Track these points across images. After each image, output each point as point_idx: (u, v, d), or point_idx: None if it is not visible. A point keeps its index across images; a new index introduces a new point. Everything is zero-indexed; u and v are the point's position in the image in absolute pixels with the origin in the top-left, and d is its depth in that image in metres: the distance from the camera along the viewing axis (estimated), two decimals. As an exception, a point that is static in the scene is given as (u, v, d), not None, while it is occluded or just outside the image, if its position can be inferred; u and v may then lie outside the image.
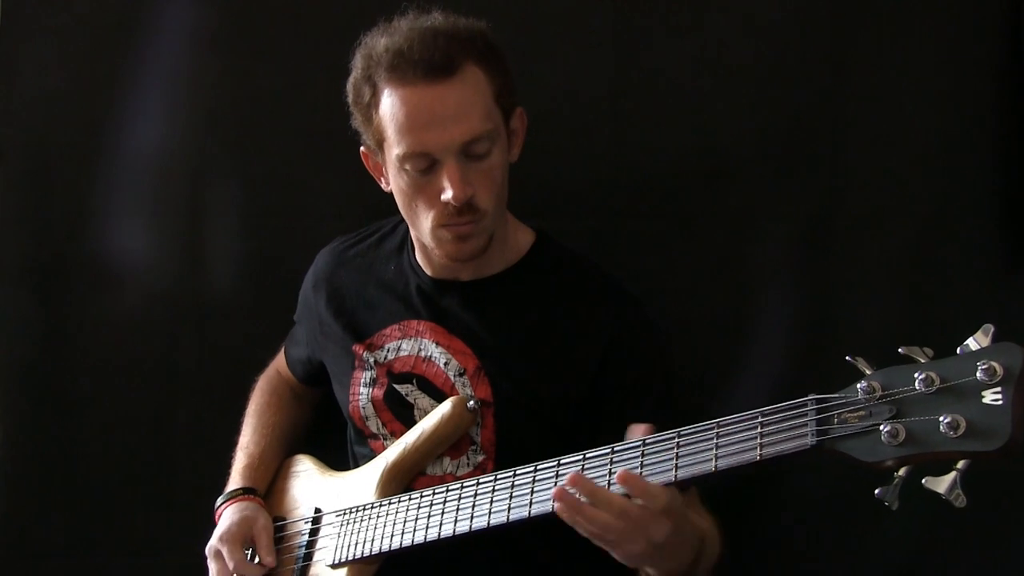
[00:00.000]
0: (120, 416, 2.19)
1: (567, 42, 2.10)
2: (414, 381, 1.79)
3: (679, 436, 1.37)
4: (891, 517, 1.29)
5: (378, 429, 1.81)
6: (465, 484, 1.59)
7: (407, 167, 1.65)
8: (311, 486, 1.89)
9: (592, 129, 2.10)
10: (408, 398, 1.79)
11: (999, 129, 2.01)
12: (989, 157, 2.02)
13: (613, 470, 1.42)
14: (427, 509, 1.62)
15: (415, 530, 1.62)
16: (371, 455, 1.81)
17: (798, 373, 2.00)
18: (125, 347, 2.19)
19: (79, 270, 2.19)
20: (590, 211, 2.09)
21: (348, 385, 1.85)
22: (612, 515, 1.37)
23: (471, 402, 1.71)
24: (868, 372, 1.23)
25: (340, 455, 1.92)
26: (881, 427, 1.19)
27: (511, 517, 1.51)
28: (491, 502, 1.54)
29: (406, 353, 1.79)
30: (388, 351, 1.81)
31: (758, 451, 1.29)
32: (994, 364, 1.14)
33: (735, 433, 1.32)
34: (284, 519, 1.87)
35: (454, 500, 1.59)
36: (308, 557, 1.78)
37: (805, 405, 1.27)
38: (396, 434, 1.78)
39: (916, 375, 1.18)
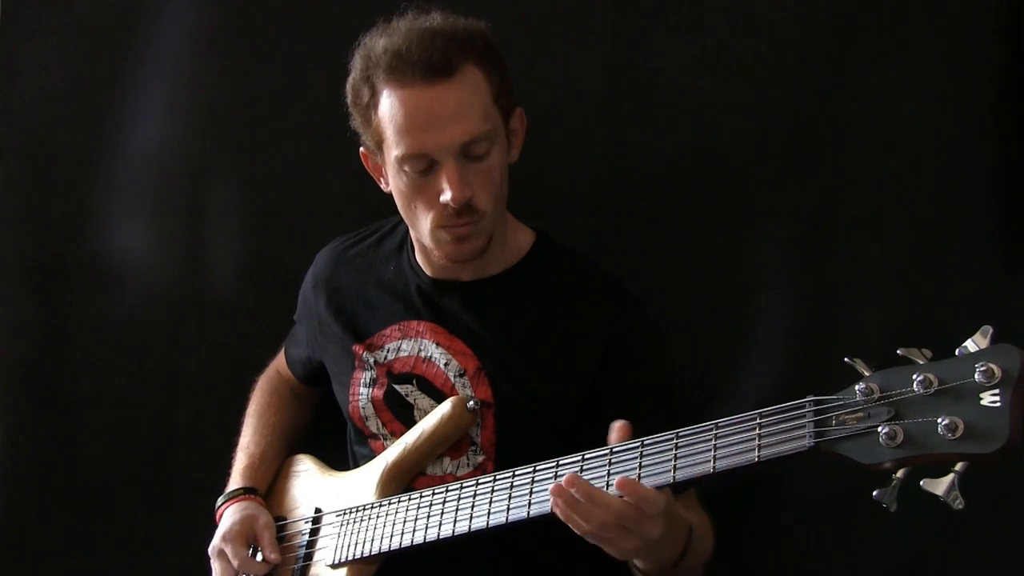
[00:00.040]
0: (120, 416, 2.19)
1: (567, 42, 2.09)
2: (414, 381, 1.79)
3: (678, 437, 1.37)
4: (890, 517, 1.28)
5: (378, 429, 1.81)
6: (465, 484, 1.59)
7: (406, 168, 1.65)
8: (311, 486, 1.89)
9: (592, 129, 2.09)
10: (408, 398, 1.79)
11: (999, 129, 2.01)
12: (989, 157, 2.02)
13: (612, 471, 1.42)
14: (427, 509, 1.62)
15: (415, 530, 1.62)
16: (371, 455, 1.81)
17: (797, 373, 2.00)
18: (125, 347, 2.19)
19: (79, 270, 2.19)
20: (590, 211, 2.09)
21: (348, 385, 1.85)
22: (609, 516, 1.37)
23: (471, 402, 1.71)
24: (866, 373, 1.23)
25: (340, 455, 1.92)
26: (879, 429, 1.19)
27: (510, 517, 1.51)
28: (490, 502, 1.54)
29: (406, 353, 1.79)
30: (388, 351, 1.81)
31: (756, 452, 1.29)
32: (992, 366, 1.13)
33: (734, 434, 1.32)
34: (284, 519, 1.87)
35: (453, 500, 1.59)
36: (308, 557, 1.78)
37: (803, 407, 1.26)
38: (396, 434, 1.78)
39: (914, 377, 1.18)
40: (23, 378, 2.20)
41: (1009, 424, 1.12)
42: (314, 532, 1.80)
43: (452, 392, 1.74)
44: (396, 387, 1.80)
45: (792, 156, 2.05)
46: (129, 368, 2.19)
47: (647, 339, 1.77)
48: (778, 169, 2.06)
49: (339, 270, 1.91)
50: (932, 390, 1.17)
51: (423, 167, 1.64)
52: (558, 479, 1.46)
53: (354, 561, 1.71)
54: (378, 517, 1.70)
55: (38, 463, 2.20)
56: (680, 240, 2.08)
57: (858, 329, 2.02)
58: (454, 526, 1.57)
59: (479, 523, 1.54)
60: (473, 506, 1.56)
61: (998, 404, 1.13)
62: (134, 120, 2.16)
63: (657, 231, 2.09)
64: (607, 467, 1.43)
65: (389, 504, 1.69)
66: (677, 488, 1.40)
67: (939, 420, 1.15)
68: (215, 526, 1.84)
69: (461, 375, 1.74)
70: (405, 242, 1.86)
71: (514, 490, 1.52)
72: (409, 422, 1.77)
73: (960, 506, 1.15)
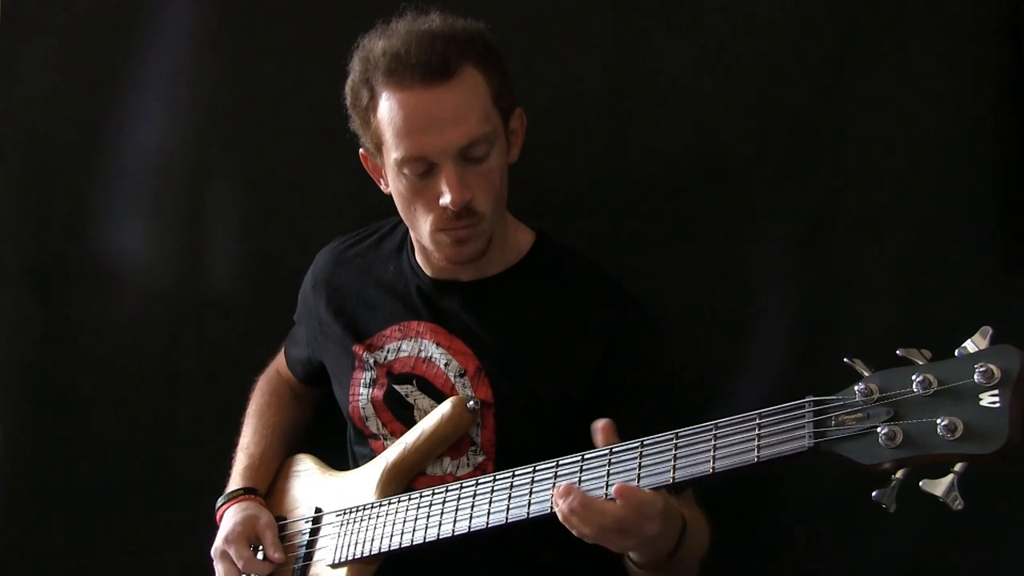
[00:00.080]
0: (120, 416, 2.19)
1: (567, 42, 2.09)
2: (414, 382, 1.79)
3: (677, 437, 1.38)
4: (890, 518, 1.28)
5: (378, 429, 1.81)
6: (465, 484, 1.59)
7: (405, 171, 1.65)
8: (311, 486, 1.89)
9: (592, 129, 2.09)
10: (408, 399, 1.79)
11: (999, 129, 2.01)
12: (989, 157, 2.02)
13: (612, 471, 1.42)
14: (427, 509, 1.62)
15: (415, 530, 1.62)
16: (371, 455, 1.81)
17: (797, 373, 2.00)
18: (125, 347, 2.19)
19: (79, 270, 2.19)
20: (590, 211, 2.09)
21: (348, 385, 1.85)
22: (607, 521, 1.37)
23: (471, 402, 1.71)
24: (866, 374, 1.23)
25: (340, 455, 1.92)
26: (878, 429, 1.19)
27: (510, 517, 1.51)
28: (490, 502, 1.54)
29: (406, 354, 1.79)
30: (388, 352, 1.81)
31: (756, 453, 1.29)
32: (992, 367, 1.13)
33: (733, 434, 1.32)
34: (285, 519, 1.87)
35: (453, 500, 1.59)
36: (308, 557, 1.78)
37: (803, 407, 1.26)
38: (396, 434, 1.78)
39: (914, 377, 1.18)
40: (23, 378, 2.21)
41: (1008, 425, 1.12)
42: (314, 532, 1.80)
43: (452, 392, 1.75)
44: (396, 387, 1.80)
45: (792, 156, 2.05)
46: (129, 368, 2.19)
47: (647, 339, 1.77)
48: (778, 169, 2.06)
49: (339, 270, 1.91)
50: (931, 391, 1.17)
51: (422, 170, 1.63)
52: (559, 480, 1.47)
53: (354, 561, 1.71)
54: (378, 517, 1.70)
55: (38, 463, 2.20)
56: (680, 240, 2.08)
57: (858, 329, 2.02)
58: (454, 526, 1.57)
59: (479, 523, 1.55)
60: (473, 506, 1.56)
61: (997, 405, 1.13)
62: (134, 120, 2.16)
63: (657, 231, 2.08)
64: (607, 467, 1.43)
65: (389, 504, 1.69)
66: (676, 489, 1.40)
67: (938, 421, 1.15)
68: (215, 526, 1.84)
69: (461, 375, 1.74)
70: (405, 242, 1.86)
71: (514, 490, 1.52)
72: (409, 422, 1.77)
73: (959, 507, 1.15)
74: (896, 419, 1.19)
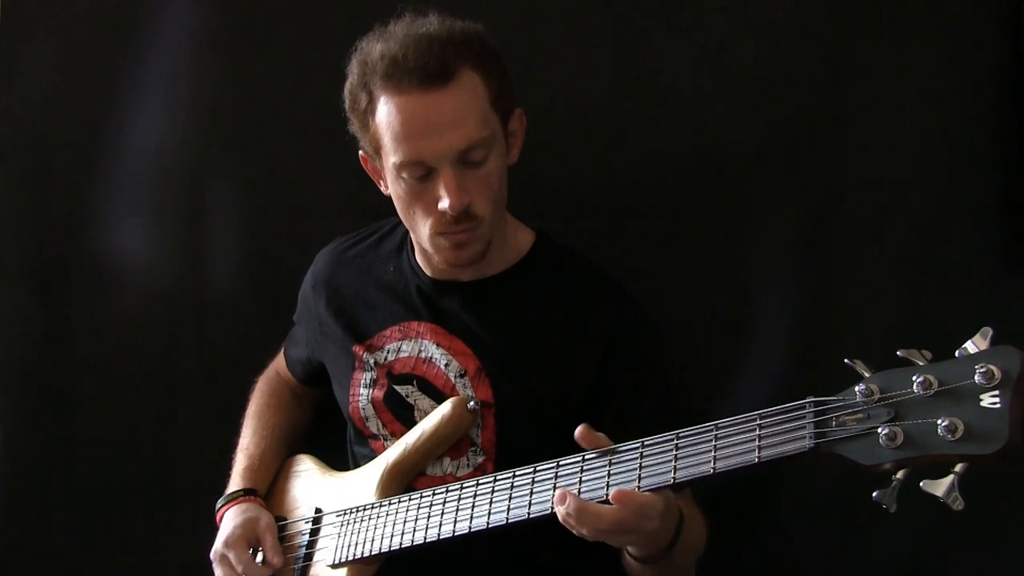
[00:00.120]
0: (120, 416, 2.19)
1: (567, 42, 2.09)
2: (414, 382, 1.79)
3: (678, 437, 1.38)
4: (890, 518, 1.28)
5: (378, 430, 1.81)
6: (465, 484, 1.59)
7: (404, 175, 1.65)
8: (311, 486, 1.89)
9: (592, 129, 2.09)
10: (408, 399, 1.79)
11: (999, 129, 2.00)
12: (989, 157, 2.02)
13: (612, 471, 1.42)
14: (427, 509, 1.62)
15: (415, 530, 1.62)
16: (371, 455, 1.81)
17: (797, 374, 2.01)
18: (125, 347, 2.19)
19: (79, 270, 2.19)
20: (590, 211, 2.09)
21: (348, 386, 1.85)
22: (604, 525, 1.38)
23: (471, 403, 1.71)
24: (866, 375, 1.23)
25: (340, 455, 1.92)
26: (879, 430, 1.19)
27: (510, 517, 1.51)
28: (491, 502, 1.54)
29: (406, 354, 1.79)
30: (388, 352, 1.81)
31: (757, 453, 1.29)
32: (992, 367, 1.13)
33: (734, 435, 1.32)
34: (285, 519, 1.87)
35: (454, 500, 1.59)
36: (308, 557, 1.78)
37: (803, 407, 1.26)
38: (396, 435, 1.78)
39: (914, 378, 1.18)
40: (23, 378, 2.20)
41: (1009, 425, 1.12)
42: (314, 532, 1.80)
43: (452, 392, 1.74)
44: (396, 388, 1.80)
45: (792, 156, 2.05)
46: (129, 368, 2.19)
47: (647, 339, 1.77)
48: (778, 169, 2.06)
49: (339, 271, 1.91)
50: (932, 391, 1.17)
51: (420, 174, 1.63)
52: (559, 480, 1.47)
53: (354, 561, 1.70)
54: (378, 517, 1.70)
55: (38, 463, 2.20)
56: (680, 240, 2.08)
57: (858, 329, 2.02)
58: (454, 526, 1.57)
59: (479, 523, 1.55)
60: (473, 506, 1.56)
61: (998, 405, 1.13)
62: (134, 120, 2.16)
63: (657, 231, 2.08)
64: (607, 468, 1.43)
65: (389, 504, 1.69)
66: (676, 489, 1.40)
67: (939, 421, 1.15)
68: (215, 527, 1.84)
69: (461, 375, 1.74)
70: (405, 243, 1.86)
71: (514, 490, 1.52)
72: (409, 423, 1.77)
73: (960, 507, 1.15)
74: (897, 420, 1.19)
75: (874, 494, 1.21)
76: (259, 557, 1.79)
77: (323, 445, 1.98)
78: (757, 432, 1.29)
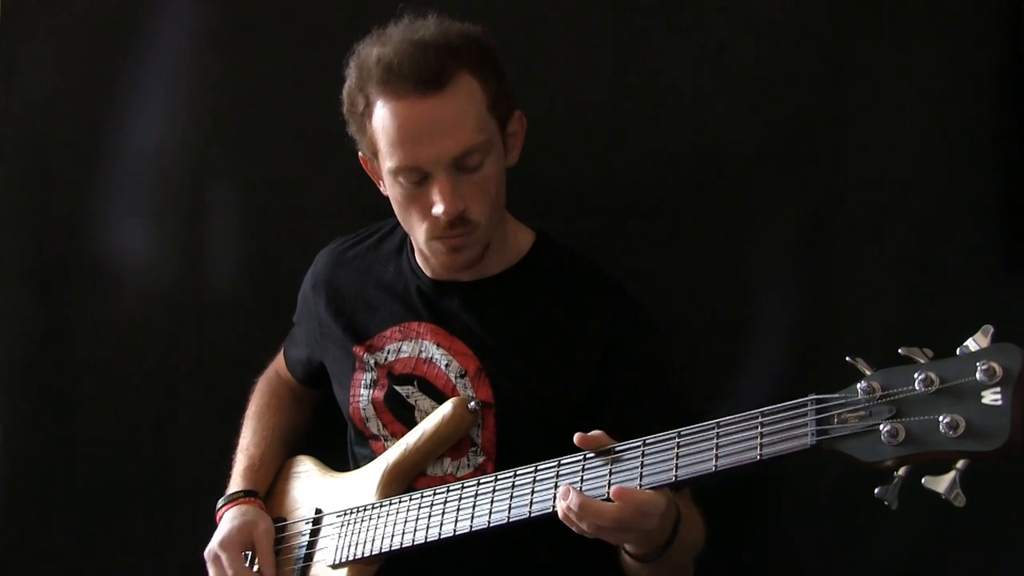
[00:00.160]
0: (120, 416, 2.19)
1: (567, 42, 2.09)
2: (415, 383, 1.79)
3: (679, 436, 1.38)
4: (891, 517, 1.29)
5: (379, 430, 1.81)
6: (466, 484, 1.59)
7: (400, 179, 1.65)
8: (312, 487, 1.89)
9: (592, 129, 2.09)
10: (409, 400, 1.79)
11: (999, 129, 2.01)
12: (989, 157, 2.02)
13: (614, 470, 1.42)
14: (427, 509, 1.62)
15: (415, 530, 1.62)
16: (371, 456, 1.81)
17: (798, 373, 2.00)
18: (125, 347, 2.19)
19: (79, 270, 2.18)
20: (590, 211, 2.09)
21: (348, 386, 1.85)
22: (605, 522, 1.38)
23: (472, 403, 1.71)
24: (868, 372, 1.23)
25: (340, 456, 1.92)
26: (881, 427, 1.19)
27: (511, 517, 1.51)
28: (491, 502, 1.54)
29: (407, 355, 1.79)
30: (388, 353, 1.81)
31: (758, 451, 1.29)
32: (994, 365, 1.13)
33: (735, 433, 1.32)
34: (285, 519, 1.87)
35: (454, 500, 1.59)
36: (308, 557, 1.78)
37: (805, 405, 1.27)
38: (397, 435, 1.78)
39: (916, 375, 1.18)
40: (23, 378, 2.20)
41: (1010, 423, 1.12)
42: (314, 533, 1.80)
43: (453, 393, 1.74)
44: (397, 388, 1.80)
45: (792, 156, 2.05)
46: (129, 368, 2.19)
47: (647, 339, 1.77)
48: (778, 169, 2.06)
49: (339, 271, 1.91)
50: (933, 388, 1.17)
51: (416, 179, 1.63)
52: (560, 479, 1.47)
53: (355, 561, 1.70)
54: (379, 517, 1.70)
55: (38, 463, 2.20)
56: (680, 240, 2.08)
57: (859, 329, 2.02)
58: (455, 526, 1.57)
59: (480, 523, 1.55)
60: (474, 506, 1.56)
61: (999, 403, 1.13)
62: (134, 120, 2.16)
63: (657, 231, 2.08)
64: (609, 467, 1.43)
65: (390, 504, 1.69)
66: (676, 488, 1.40)
67: (941, 418, 1.15)
68: (215, 527, 1.83)
69: (462, 376, 1.74)
70: (405, 243, 1.86)
71: (515, 490, 1.52)
72: (410, 423, 1.77)
73: (961, 504, 1.15)
74: (898, 417, 1.19)
75: (876, 491, 1.21)
76: (255, 568, 1.78)
77: (323, 446, 1.97)
78: (759, 430, 1.29)
